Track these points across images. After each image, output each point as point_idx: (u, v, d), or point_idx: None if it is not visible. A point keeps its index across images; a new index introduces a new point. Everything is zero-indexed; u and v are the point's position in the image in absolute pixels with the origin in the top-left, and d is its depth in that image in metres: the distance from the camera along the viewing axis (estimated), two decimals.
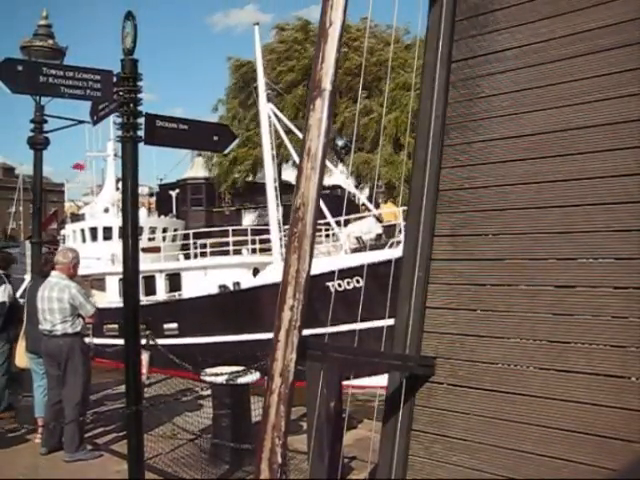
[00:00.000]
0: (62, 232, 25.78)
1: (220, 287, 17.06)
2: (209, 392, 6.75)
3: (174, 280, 19.59)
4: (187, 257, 21.41)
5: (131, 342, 4.49)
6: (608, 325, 2.98)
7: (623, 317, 2.95)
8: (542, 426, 3.07)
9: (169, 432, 6.79)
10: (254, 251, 19.92)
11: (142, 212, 25.45)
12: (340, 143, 34.03)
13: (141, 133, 4.52)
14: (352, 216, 19.08)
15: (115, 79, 4.56)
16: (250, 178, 34.20)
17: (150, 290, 19.49)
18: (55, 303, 6.06)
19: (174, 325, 16.88)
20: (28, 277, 13.44)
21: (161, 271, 19.70)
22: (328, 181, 27.31)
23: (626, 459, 2.80)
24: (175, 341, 15.81)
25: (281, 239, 17.64)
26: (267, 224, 22.22)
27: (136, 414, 4.40)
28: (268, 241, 19.11)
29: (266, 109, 19.23)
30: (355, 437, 6.17)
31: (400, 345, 3.60)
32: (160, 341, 15.75)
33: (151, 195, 39.21)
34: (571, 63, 3.28)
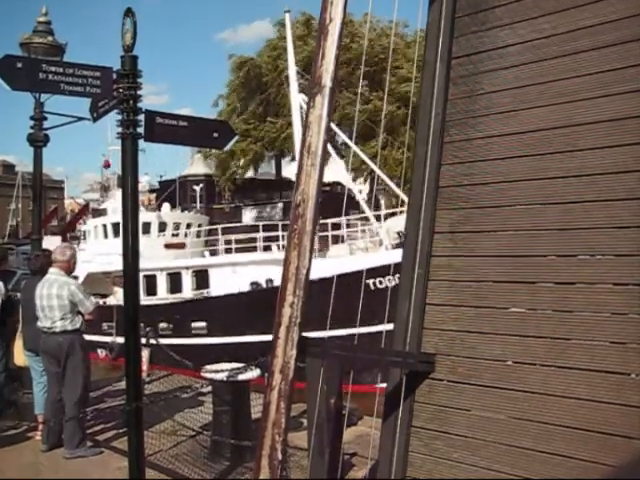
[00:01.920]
0: (82, 227, 24.93)
1: (252, 284, 16.32)
2: (209, 389, 6.76)
3: (201, 277, 18.71)
4: (213, 253, 20.66)
5: (131, 339, 4.49)
6: (608, 322, 2.98)
7: (623, 314, 2.95)
8: (542, 423, 3.07)
9: (169, 429, 6.80)
10: (284, 247, 18.96)
11: (165, 207, 24.72)
12: (339, 140, 34.01)
13: (141, 130, 4.51)
14: (388, 211, 18.59)
15: (115, 76, 4.56)
16: (250, 173, 34.13)
17: (175, 287, 18.78)
18: (55, 300, 6.06)
19: (202, 324, 16.24)
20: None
21: (187, 268, 18.90)
22: (328, 177, 27.18)
23: (626, 455, 2.81)
24: (203, 340, 15.34)
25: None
26: (270, 220, 22.06)
27: (136, 411, 4.40)
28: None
29: (298, 99, 18.23)
30: (355, 434, 6.19)
31: (400, 342, 3.60)
32: (187, 340, 15.37)
33: (151, 191, 39.14)
34: (573, 59, 3.27)
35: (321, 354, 3.44)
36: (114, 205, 23.85)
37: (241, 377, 6.00)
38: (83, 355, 6.23)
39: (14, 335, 7.12)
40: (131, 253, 4.41)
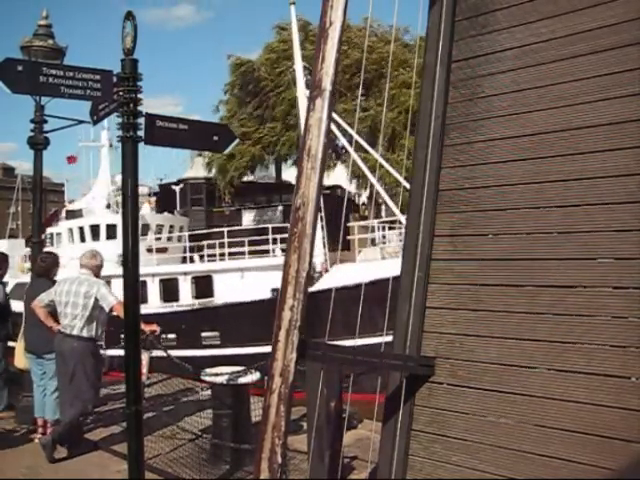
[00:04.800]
0: (49, 230, 22.73)
1: (273, 291, 14.81)
2: (209, 392, 6.75)
3: (203, 284, 17.49)
4: (204, 257, 19.43)
5: (131, 343, 4.48)
6: (608, 325, 2.98)
7: (623, 317, 2.95)
8: (542, 426, 3.07)
9: (169, 432, 6.79)
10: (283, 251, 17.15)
11: (145, 209, 22.84)
12: (339, 144, 33.96)
13: (141, 133, 4.51)
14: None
15: (115, 79, 4.56)
16: (250, 177, 34.04)
17: (169, 295, 17.58)
18: (81, 298, 6.17)
19: (215, 334, 15.39)
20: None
21: (186, 273, 17.76)
22: (328, 181, 27.01)
23: (626, 459, 2.81)
24: (215, 352, 14.54)
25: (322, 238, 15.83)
26: (268, 223, 21.70)
27: (136, 414, 4.39)
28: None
29: (306, 93, 17.49)
30: (355, 437, 6.17)
31: (400, 345, 3.60)
32: (198, 352, 14.59)
33: (150, 195, 38.87)
34: (571, 63, 3.28)
35: (321, 357, 3.44)
36: (90, 206, 22.50)
37: (241, 380, 6.00)
38: (95, 364, 6.24)
39: (10, 339, 7.12)
40: (131, 258, 4.39)
